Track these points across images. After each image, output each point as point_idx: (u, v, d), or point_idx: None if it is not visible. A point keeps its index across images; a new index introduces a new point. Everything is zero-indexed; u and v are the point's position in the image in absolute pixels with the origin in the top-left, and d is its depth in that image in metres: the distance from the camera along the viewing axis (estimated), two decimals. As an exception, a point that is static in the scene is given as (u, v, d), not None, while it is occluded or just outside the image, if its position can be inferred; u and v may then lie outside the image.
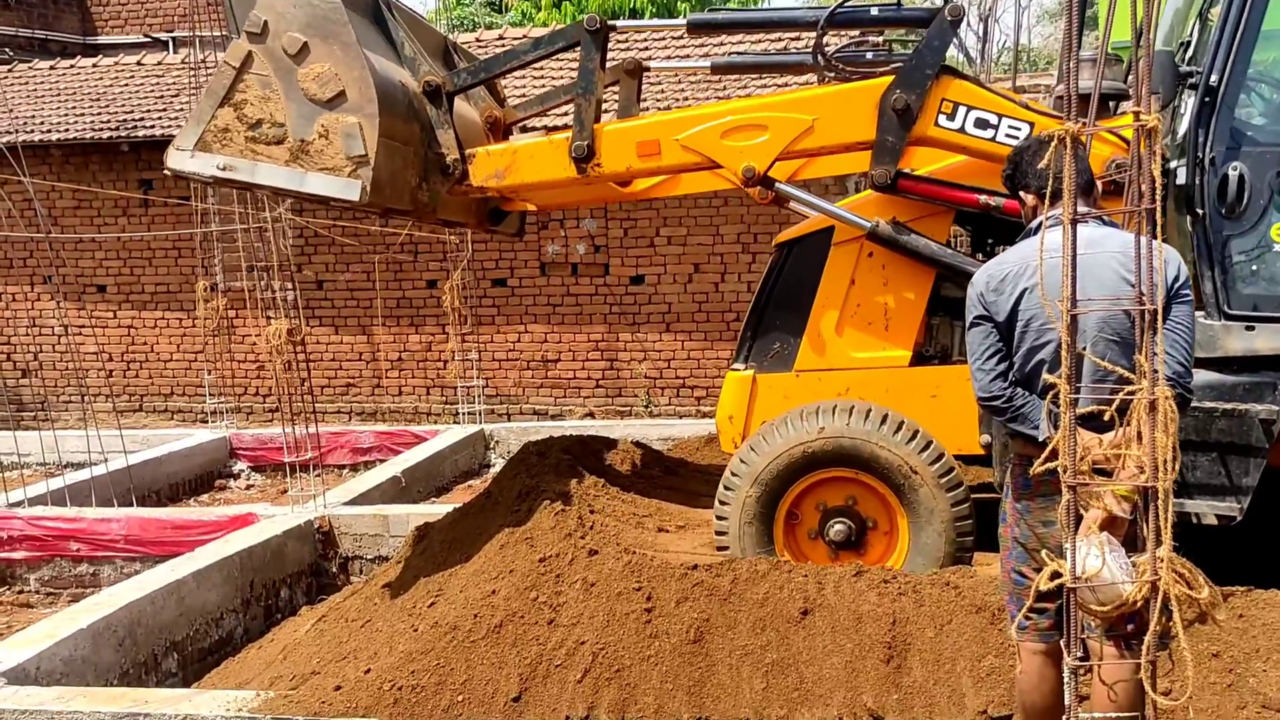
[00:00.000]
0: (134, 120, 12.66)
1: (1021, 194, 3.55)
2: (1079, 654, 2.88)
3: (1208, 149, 4.74)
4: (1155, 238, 2.73)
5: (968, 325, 3.45)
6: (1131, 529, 2.95)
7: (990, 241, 5.91)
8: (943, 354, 5.64)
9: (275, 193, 5.62)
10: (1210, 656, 4.11)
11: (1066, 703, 2.91)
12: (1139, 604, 2.77)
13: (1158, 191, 2.68)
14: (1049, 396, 2.96)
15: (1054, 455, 2.86)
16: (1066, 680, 2.90)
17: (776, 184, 5.46)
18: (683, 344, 12.21)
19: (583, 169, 5.41)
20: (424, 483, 9.51)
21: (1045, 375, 3.14)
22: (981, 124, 5.10)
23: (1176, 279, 3.18)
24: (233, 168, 5.05)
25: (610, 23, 5.61)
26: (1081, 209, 3.00)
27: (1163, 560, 2.70)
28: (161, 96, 13.07)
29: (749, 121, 5.33)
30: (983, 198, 5.16)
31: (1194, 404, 4.64)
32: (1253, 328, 4.74)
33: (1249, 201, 4.70)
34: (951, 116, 5.15)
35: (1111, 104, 5.39)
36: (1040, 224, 3.25)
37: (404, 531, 7.05)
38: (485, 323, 12.49)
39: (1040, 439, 3.16)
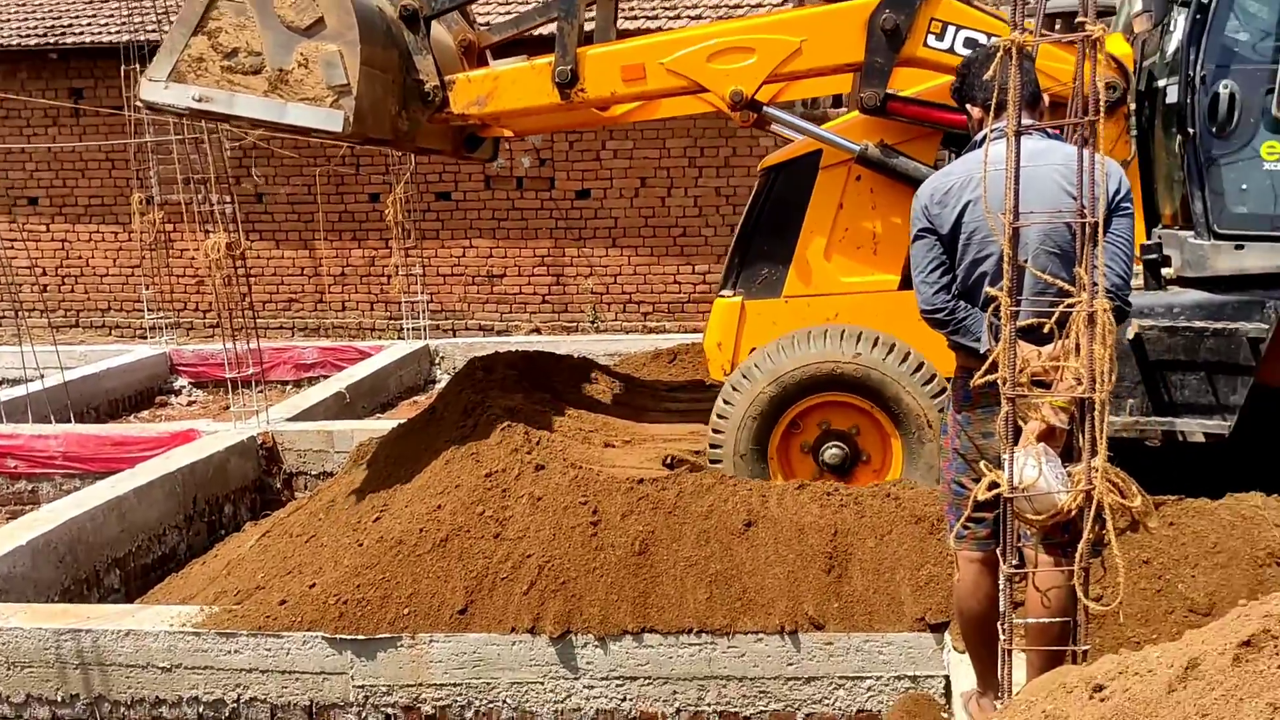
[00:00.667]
0: (62, 26, 12.20)
1: (968, 107, 3.53)
2: (1015, 562, 2.94)
3: (1199, 67, 4.69)
4: (1096, 150, 2.73)
5: (912, 238, 3.44)
6: (1069, 440, 2.99)
7: None
8: None
9: (254, 124, 5.45)
10: (1141, 563, 4.21)
11: (1001, 609, 2.98)
12: (1073, 513, 2.83)
13: (1102, 104, 2.68)
14: (990, 309, 2.97)
15: (994, 368, 2.89)
16: (1002, 587, 2.96)
17: (763, 107, 5.39)
18: (629, 259, 12.16)
19: (566, 94, 5.32)
20: (368, 399, 9.46)
21: (987, 288, 3.15)
22: (971, 44, 5.01)
23: (1118, 192, 3.18)
24: (209, 99, 4.90)
25: None
26: (1026, 121, 2.99)
27: (1097, 470, 2.75)
28: (91, 2, 12.59)
29: (736, 44, 5.23)
30: None
31: (1184, 324, 4.69)
32: (1242, 247, 4.74)
33: (1239, 120, 4.67)
34: (941, 36, 5.07)
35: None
36: (985, 137, 3.24)
37: (348, 447, 7.03)
38: (429, 237, 12.35)
39: (981, 351, 3.18)
